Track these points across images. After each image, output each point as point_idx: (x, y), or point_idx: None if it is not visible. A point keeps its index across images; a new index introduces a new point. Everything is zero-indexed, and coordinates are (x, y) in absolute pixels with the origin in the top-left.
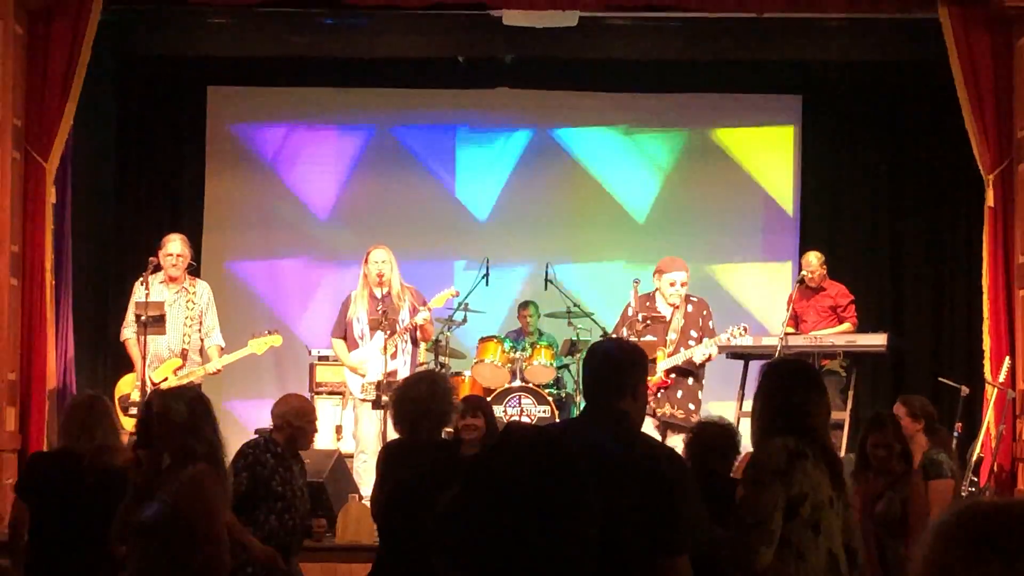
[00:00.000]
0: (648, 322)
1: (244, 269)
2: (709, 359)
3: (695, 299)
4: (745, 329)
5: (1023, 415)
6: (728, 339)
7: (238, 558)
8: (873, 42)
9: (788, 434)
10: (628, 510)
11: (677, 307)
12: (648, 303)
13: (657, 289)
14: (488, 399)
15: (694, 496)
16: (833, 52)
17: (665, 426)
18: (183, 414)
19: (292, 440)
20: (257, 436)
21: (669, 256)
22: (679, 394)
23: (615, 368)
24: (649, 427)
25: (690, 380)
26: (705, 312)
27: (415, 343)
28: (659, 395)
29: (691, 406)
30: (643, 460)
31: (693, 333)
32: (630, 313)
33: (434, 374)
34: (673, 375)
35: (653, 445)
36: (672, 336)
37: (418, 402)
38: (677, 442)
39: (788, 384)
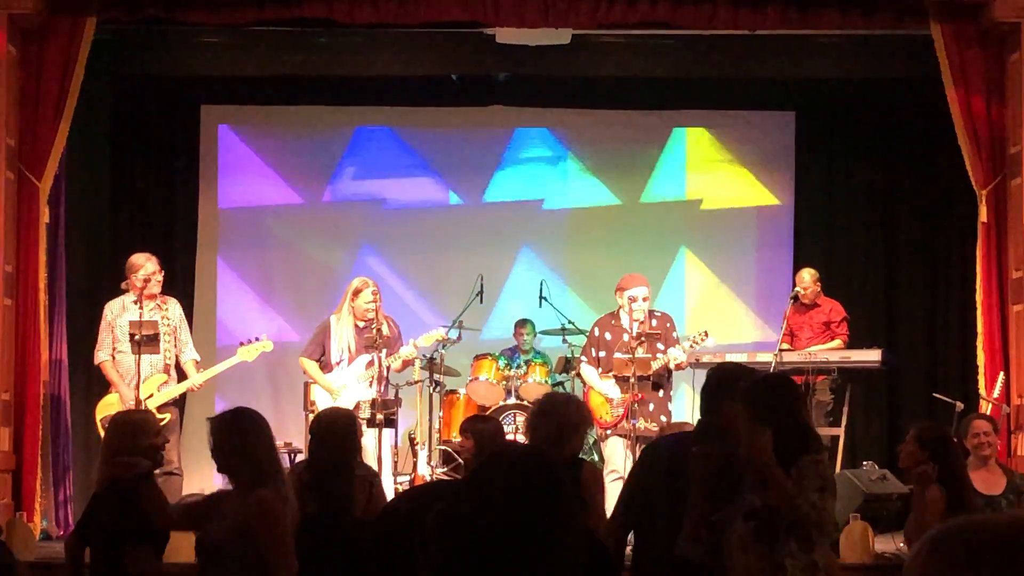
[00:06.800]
0: (643, 339)
1: (238, 286)
2: (681, 366)
3: (659, 313)
4: (706, 333)
5: (1017, 430)
6: (691, 344)
7: None
8: (866, 58)
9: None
10: None
11: (642, 322)
12: (613, 321)
13: (620, 307)
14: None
15: None
16: (826, 69)
17: (638, 440)
18: None
19: None
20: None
21: (628, 273)
22: (651, 407)
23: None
24: (620, 444)
25: (660, 393)
26: (669, 324)
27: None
28: (633, 408)
29: (663, 418)
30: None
31: (660, 346)
32: (596, 333)
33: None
34: (642, 392)
35: None
36: (640, 352)
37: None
38: None
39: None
